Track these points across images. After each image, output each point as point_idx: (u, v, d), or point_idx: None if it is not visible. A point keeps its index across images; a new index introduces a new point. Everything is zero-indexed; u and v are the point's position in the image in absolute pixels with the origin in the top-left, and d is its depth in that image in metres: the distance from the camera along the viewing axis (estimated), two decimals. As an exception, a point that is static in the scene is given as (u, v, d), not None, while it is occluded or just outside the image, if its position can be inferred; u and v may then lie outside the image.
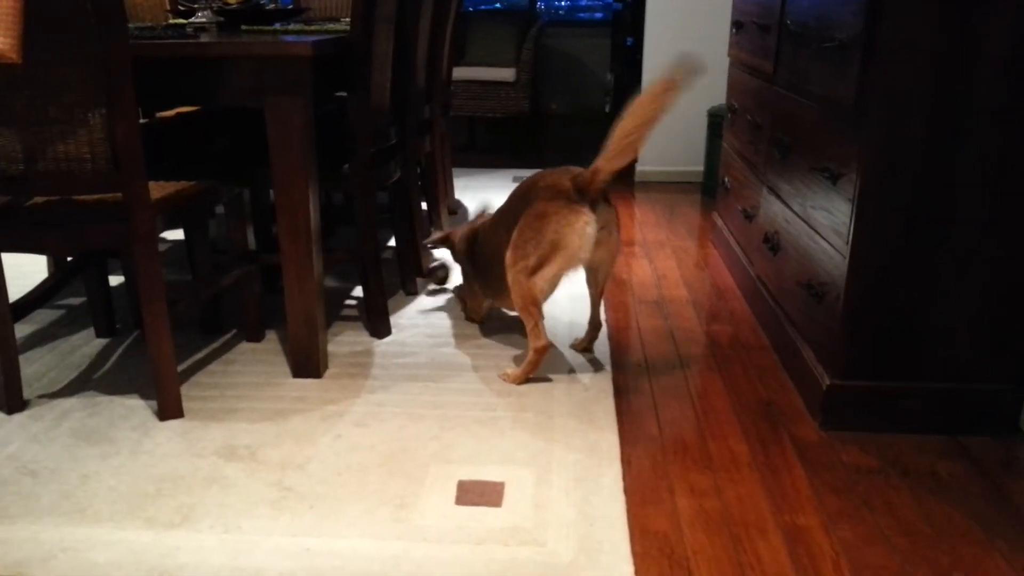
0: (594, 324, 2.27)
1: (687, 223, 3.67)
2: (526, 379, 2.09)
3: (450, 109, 3.81)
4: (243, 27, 2.29)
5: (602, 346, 2.32)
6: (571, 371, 2.16)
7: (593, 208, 1.95)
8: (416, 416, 1.93)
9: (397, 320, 2.52)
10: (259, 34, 2.08)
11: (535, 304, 2.00)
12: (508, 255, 2.02)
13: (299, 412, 1.96)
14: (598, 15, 6.87)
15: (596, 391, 2.05)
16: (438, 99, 3.25)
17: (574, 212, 1.92)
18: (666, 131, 4.42)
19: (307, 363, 2.13)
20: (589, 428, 1.88)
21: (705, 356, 2.29)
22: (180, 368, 2.19)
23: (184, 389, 2.07)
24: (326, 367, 2.19)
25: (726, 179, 3.09)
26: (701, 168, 4.39)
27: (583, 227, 1.92)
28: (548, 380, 2.11)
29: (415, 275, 2.88)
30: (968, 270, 1.76)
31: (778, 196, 2.33)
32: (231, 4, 2.38)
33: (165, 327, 1.85)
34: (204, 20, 2.33)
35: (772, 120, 2.43)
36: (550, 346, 2.07)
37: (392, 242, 3.30)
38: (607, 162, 1.92)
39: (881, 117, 1.68)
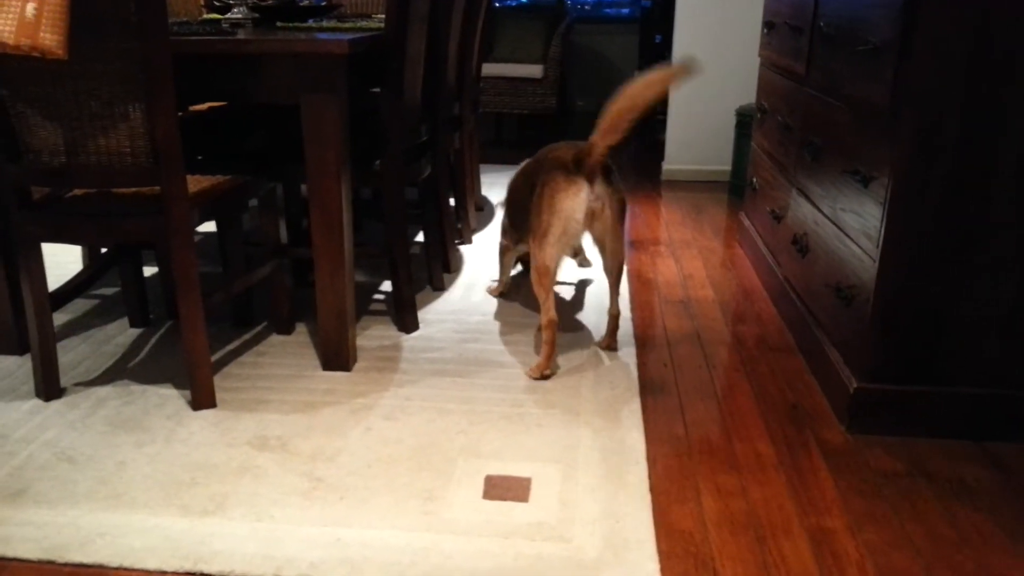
0: (612, 315, 2.30)
1: (714, 223, 3.66)
2: (549, 362, 2.13)
3: (479, 106, 3.83)
4: (278, 24, 2.32)
5: (628, 347, 2.33)
6: (598, 371, 2.18)
7: (590, 180, 2.06)
8: (444, 411, 1.96)
9: (424, 315, 2.55)
10: (294, 31, 2.11)
11: (546, 274, 2.10)
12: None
13: (329, 404, 1.99)
14: (626, 11, 6.86)
15: (622, 390, 2.07)
16: (468, 96, 3.27)
17: (568, 180, 2.06)
18: (694, 130, 4.41)
19: (337, 356, 2.16)
20: (615, 426, 1.89)
21: (731, 357, 2.30)
22: (213, 359, 2.23)
23: (216, 380, 2.11)
24: (355, 360, 2.22)
25: (755, 180, 3.08)
26: (729, 168, 4.38)
27: (575, 193, 2.04)
28: (575, 379, 2.13)
29: (443, 271, 2.90)
30: (999, 276, 1.75)
31: (808, 198, 2.33)
32: (266, 0, 2.41)
33: (200, 318, 1.88)
34: (240, 16, 2.36)
35: (803, 122, 2.43)
36: (557, 321, 2.14)
37: (420, 237, 3.33)
38: (600, 138, 2.01)
39: (914, 120, 1.67)
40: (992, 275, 1.75)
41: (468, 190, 3.42)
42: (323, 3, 2.55)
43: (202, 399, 1.96)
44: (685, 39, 4.27)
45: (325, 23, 2.32)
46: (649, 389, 2.09)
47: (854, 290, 1.90)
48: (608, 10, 7.05)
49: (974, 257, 1.74)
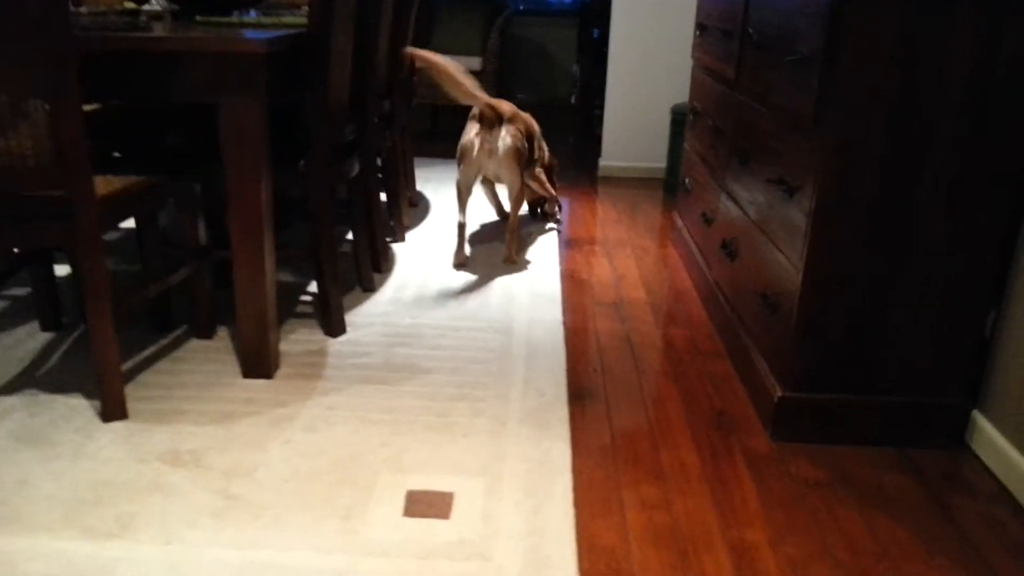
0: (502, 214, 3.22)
1: (648, 221, 3.67)
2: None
3: (413, 100, 3.76)
4: (197, 18, 2.22)
5: (559, 351, 2.31)
6: (527, 377, 2.15)
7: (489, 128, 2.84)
8: (368, 421, 1.91)
9: (352, 318, 2.49)
10: (215, 26, 2.03)
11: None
12: None
13: (248, 415, 1.92)
14: (568, 2, 6.83)
15: (551, 397, 2.05)
16: (400, 92, 3.21)
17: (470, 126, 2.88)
18: (630, 127, 4.41)
19: (258, 363, 2.09)
20: (542, 435, 1.87)
21: (661, 362, 2.30)
22: (127, 366, 2.15)
23: (130, 388, 2.03)
24: (278, 367, 2.16)
25: (687, 180, 3.09)
26: (664, 165, 4.40)
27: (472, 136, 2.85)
28: (504, 385, 2.10)
29: (373, 271, 2.85)
30: (923, 287, 1.77)
31: (736, 202, 2.34)
32: (186, -9, 2.31)
33: (109, 327, 1.80)
34: (158, 7, 2.26)
35: (733, 126, 2.44)
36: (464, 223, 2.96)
37: (350, 236, 3.26)
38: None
39: (839, 132, 1.68)
40: (916, 285, 1.77)
41: (401, 187, 3.37)
42: (246, -5, 2.45)
43: (113, 410, 1.87)
44: (621, 34, 4.27)
45: (248, 18, 2.24)
46: (578, 396, 2.07)
47: (779, 298, 1.91)
48: (550, 2, 7.01)
49: (899, 268, 1.76)
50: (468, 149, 2.83)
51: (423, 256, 3.07)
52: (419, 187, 4.10)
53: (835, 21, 1.64)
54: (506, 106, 2.89)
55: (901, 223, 1.73)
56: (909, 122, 1.67)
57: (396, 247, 3.18)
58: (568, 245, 3.28)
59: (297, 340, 2.33)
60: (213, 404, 1.97)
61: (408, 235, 3.34)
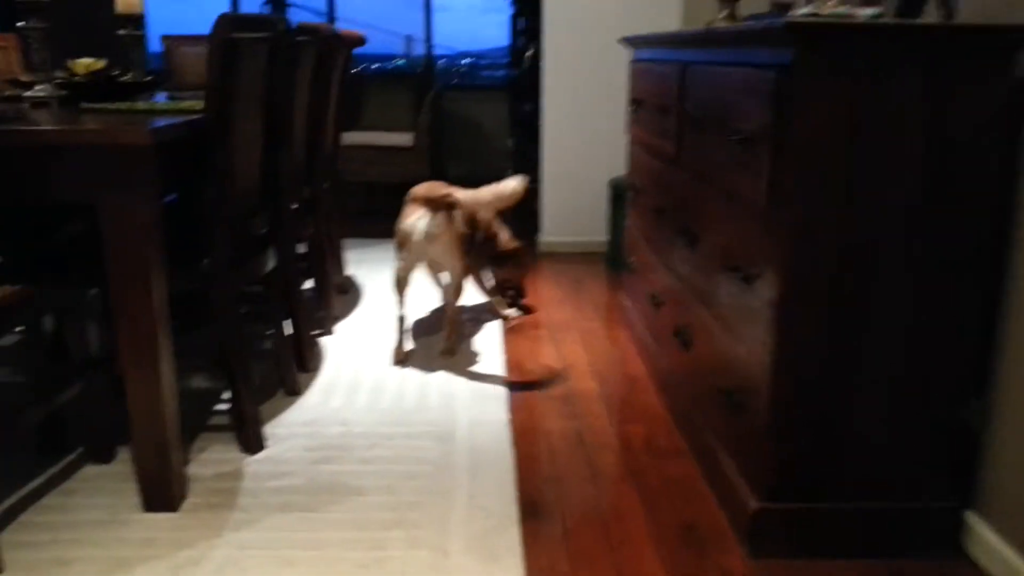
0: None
1: (594, 300, 3.50)
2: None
3: (337, 182, 3.51)
4: (82, 105, 1.99)
5: (505, 459, 2.08)
6: (472, 492, 1.91)
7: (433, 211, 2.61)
8: (287, 560, 1.65)
9: (273, 429, 2.22)
10: (102, 114, 1.80)
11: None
12: None
13: (146, 560, 1.64)
14: (498, 75, 6.79)
15: (499, 517, 1.81)
16: (322, 174, 3.00)
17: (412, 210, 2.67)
18: (569, 201, 4.28)
19: (159, 495, 1.82)
20: (491, 566, 1.63)
21: (618, 465, 2.08)
22: (7, 504, 1.84)
23: (10, 533, 1.73)
24: (184, 496, 1.88)
25: (632, 260, 2.93)
26: (605, 238, 4.26)
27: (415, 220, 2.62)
28: (445, 505, 1.85)
29: (298, 370, 2.59)
30: (897, 377, 1.61)
31: (688, 287, 2.17)
32: (77, 76, 2.08)
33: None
34: (44, 94, 2.02)
35: (676, 205, 2.29)
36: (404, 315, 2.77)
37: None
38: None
39: (794, 218, 1.52)
40: (888, 379, 1.61)
41: (329, 273, 3.14)
42: (148, 79, 2.24)
43: (-22, 568, 1.58)
44: (554, 108, 4.17)
45: (144, 104, 2.02)
46: (529, 513, 1.84)
47: (745, 396, 1.72)
48: (482, 75, 6.96)
49: (868, 362, 1.59)
50: (407, 235, 2.61)
51: (354, 350, 2.83)
52: (352, 270, 3.86)
53: (782, 99, 1.50)
54: (445, 189, 2.74)
55: (867, 309, 1.57)
56: (867, 203, 1.52)
57: (325, 340, 2.93)
58: (511, 330, 3.08)
59: (209, 460, 2.06)
60: (105, 549, 1.68)
61: (338, 326, 3.09)
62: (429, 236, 2.58)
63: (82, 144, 1.54)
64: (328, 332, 3.00)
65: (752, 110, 1.64)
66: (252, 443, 2.10)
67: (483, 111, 6.49)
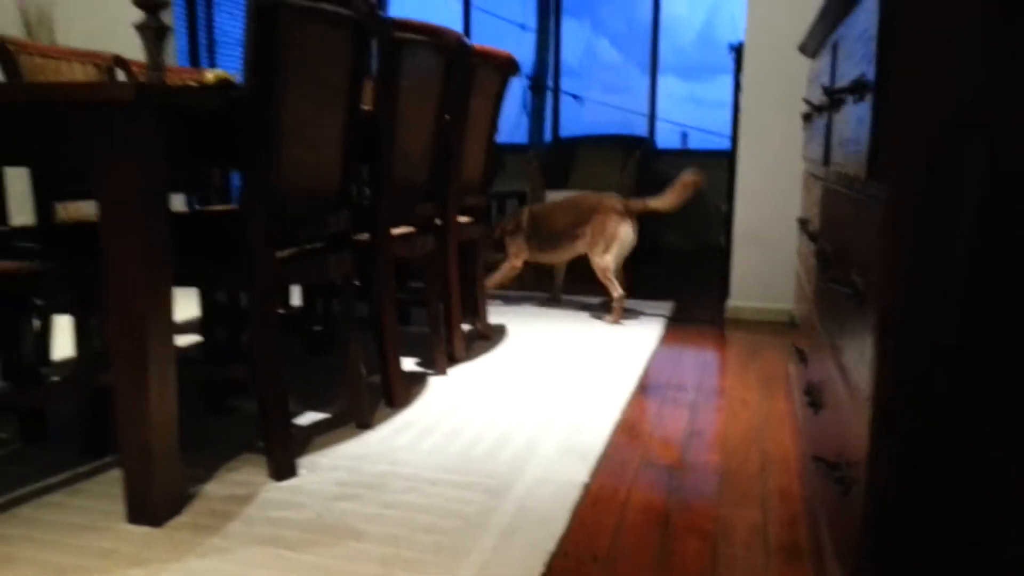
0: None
1: (764, 369, 2.92)
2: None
3: (479, 216, 3.22)
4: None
5: (555, 526, 1.65)
6: (487, 561, 1.50)
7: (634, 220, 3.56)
8: (228, 602, 1.34)
9: (319, 458, 1.96)
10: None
11: (608, 270, 3.51)
12: (587, 246, 3.60)
13: (87, 572, 1.43)
14: (719, 141, 6.34)
15: (504, 594, 1.38)
16: (453, 200, 2.77)
17: (625, 221, 3.57)
18: (759, 263, 3.73)
19: (141, 508, 1.61)
20: (460, 656, 1.21)
21: (700, 557, 1.56)
22: (10, 496, 1.73)
23: (-15, 524, 1.60)
24: (175, 512, 1.65)
25: (794, 314, 2.38)
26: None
27: (629, 229, 3.55)
28: (448, 568, 1.46)
29: (386, 405, 2.33)
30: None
31: (823, 328, 1.63)
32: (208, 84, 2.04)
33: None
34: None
35: (820, 224, 1.76)
36: (624, 296, 3.55)
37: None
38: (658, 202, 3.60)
39: (897, 185, 1.01)
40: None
41: (455, 310, 2.87)
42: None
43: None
44: (747, 164, 3.68)
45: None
46: (550, 597, 1.39)
47: (853, 469, 1.18)
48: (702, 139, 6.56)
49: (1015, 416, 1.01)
50: (626, 238, 3.56)
51: (457, 393, 2.51)
52: (493, 319, 3.58)
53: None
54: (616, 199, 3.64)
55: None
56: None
57: (433, 380, 2.65)
58: (642, 390, 2.61)
59: (231, 480, 1.83)
60: (55, 553, 1.50)
61: (456, 368, 2.79)
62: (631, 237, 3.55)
63: (65, 99, 1.41)
64: (440, 372, 2.71)
65: (862, 53, 1.15)
66: (281, 471, 1.84)
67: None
